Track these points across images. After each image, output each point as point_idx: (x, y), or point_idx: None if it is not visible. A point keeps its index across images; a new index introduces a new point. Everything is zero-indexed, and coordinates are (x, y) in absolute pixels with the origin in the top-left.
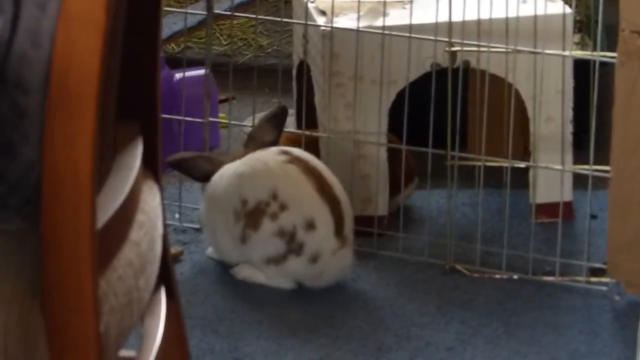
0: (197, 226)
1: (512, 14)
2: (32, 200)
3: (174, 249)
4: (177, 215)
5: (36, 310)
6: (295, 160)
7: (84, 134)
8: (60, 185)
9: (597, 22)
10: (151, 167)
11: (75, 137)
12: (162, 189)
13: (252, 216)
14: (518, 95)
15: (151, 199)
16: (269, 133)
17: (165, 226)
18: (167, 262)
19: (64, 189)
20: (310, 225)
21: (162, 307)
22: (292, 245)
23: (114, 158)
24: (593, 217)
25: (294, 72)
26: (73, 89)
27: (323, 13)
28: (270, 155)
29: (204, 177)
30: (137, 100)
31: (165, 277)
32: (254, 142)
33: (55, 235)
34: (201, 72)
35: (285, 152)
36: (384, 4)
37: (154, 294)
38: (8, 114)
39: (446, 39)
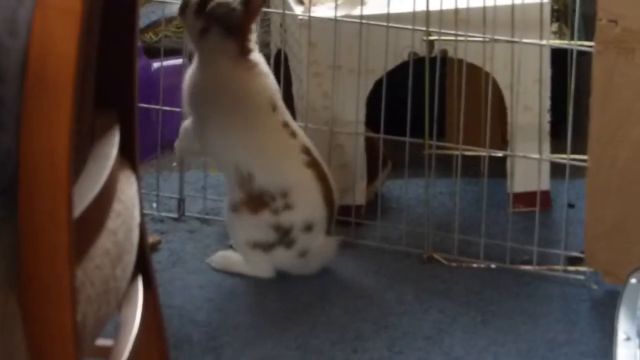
0: (174, 215)
1: (489, 2)
2: (9, 188)
3: (151, 238)
4: (154, 205)
5: (13, 300)
6: (313, 164)
7: (61, 123)
8: (37, 173)
9: (574, 11)
10: (128, 156)
11: (52, 125)
12: (139, 178)
13: (253, 200)
14: (495, 84)
15: (128, 188)
16: None
17: (143, 215)
18: (145, 251)
19: (41, 177)
20: (308, 228)
21: (139, 297)
22: (285, 239)
23: (91, 147)
24: (570, 206)
25: (272, 61)
26: (50, 78)
27: (301, 2)
28: (293, 149)
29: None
30: (114, 89)
31: (143, 266)
32: None
33: (32, 224)
34: (179, 61)
35: (307, 152)
36: None
37: (131, 283)
38: None
39: (424, 28)
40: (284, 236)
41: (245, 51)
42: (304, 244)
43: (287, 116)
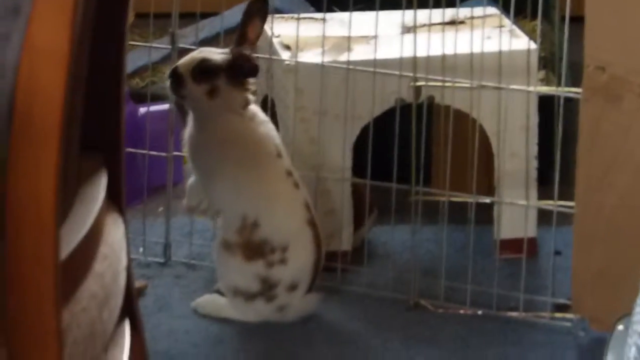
0: (161, 260)
1: (477, 49)
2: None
3: (137, 283)
4: (141, 249)
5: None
6: (311, 224)
7: (48, 166)
8: (24, 216)
9: (561, 58)
10: (115, 200)
11: (38, 169)
12: (126, 222)
13: (251, 248)
14: (482, 130)
15: (115, 232)
16: (257, 27)
17: (129, 259)
18: (131, 295)
19: (27, 220)
20: (293, 287)
21: (126, 340)
22: (267, 293)
23: (78, 190)
24: (557, 253)
25: (258, 106)
26: (37, 121)
27: (287, 48)
28: (298, 203)
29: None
30: (101, 133)
31: (129, 310)
32: (245, 40)
33: (19, 267)
34: (165, 106)
35: (307, 208)
36: (349, 39)
37: (118, 326)
38: None
39: (410, 74)
40: (268, 290)
41: (247, 102)
42: (284, 301)
43: (289, 163)
